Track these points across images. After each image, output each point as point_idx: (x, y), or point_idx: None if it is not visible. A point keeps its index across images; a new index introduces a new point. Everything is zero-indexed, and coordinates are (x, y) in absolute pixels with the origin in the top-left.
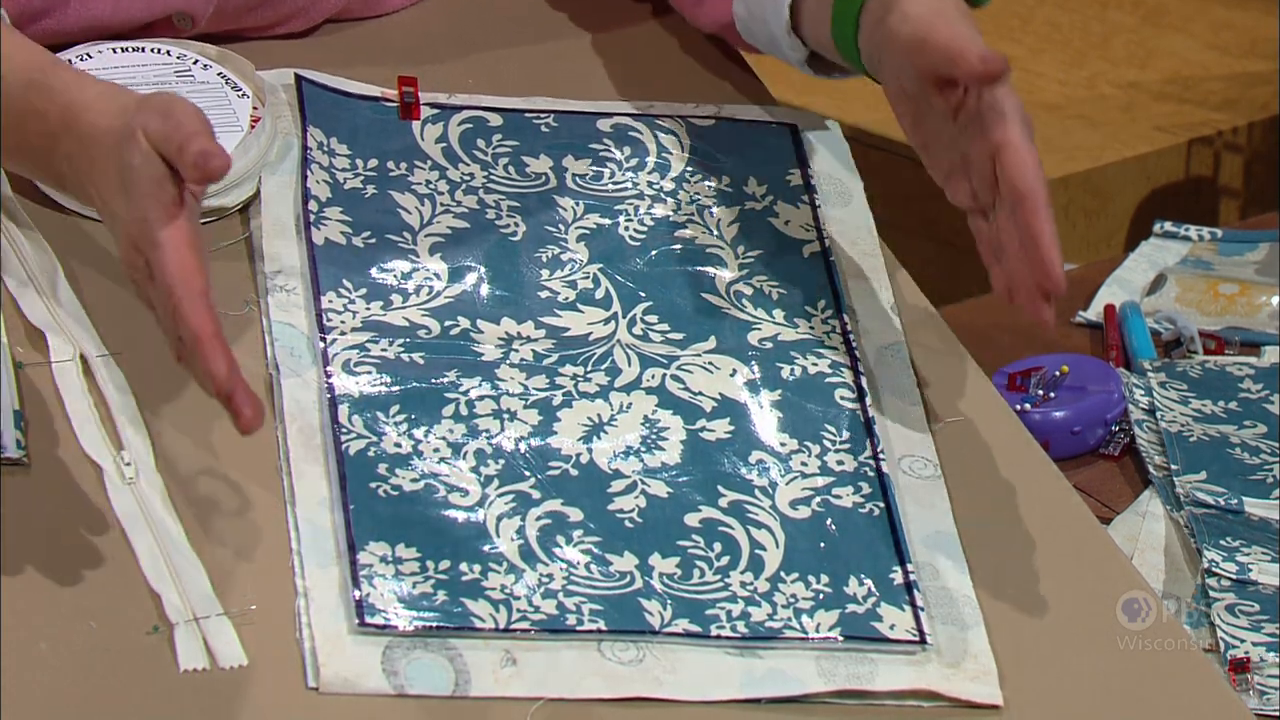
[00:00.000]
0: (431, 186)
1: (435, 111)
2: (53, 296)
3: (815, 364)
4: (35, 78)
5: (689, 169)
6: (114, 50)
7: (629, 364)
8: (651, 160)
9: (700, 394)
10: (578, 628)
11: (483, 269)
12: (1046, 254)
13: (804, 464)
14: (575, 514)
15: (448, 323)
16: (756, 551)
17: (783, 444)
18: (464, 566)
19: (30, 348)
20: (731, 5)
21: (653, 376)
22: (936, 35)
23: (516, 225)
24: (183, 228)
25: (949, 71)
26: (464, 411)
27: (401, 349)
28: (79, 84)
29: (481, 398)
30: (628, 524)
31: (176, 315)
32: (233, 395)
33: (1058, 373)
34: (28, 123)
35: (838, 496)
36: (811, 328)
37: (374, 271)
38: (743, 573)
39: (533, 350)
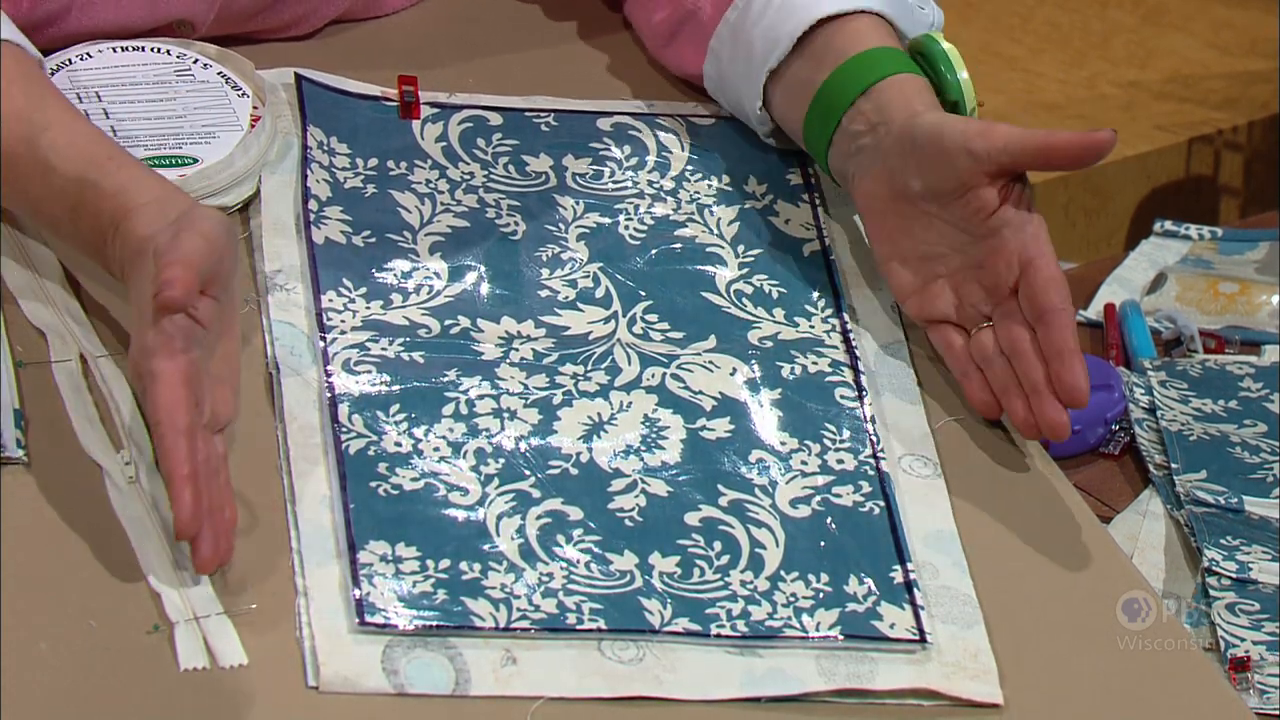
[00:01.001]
0: (431, 186)
1: (435, 111)
2: (53, 296)
3: (815, 363)
4: (91, 175)
5: (689, 168)
6: (114, 49)
7: (629, 363)
8: (651, 159)
9: (700, 393)
10: (578, 627)
11: (483, 268)
12: (1074, 372)
13: (804, 463)
14: (575, 513)
15: (448, 322)
16: (756, 550)
17: (783, 443)
18: (464, 566)
19: (30, 347)
20: (702, 61)
21: (653, 375)
22: (994, 131)
23: (516, 224)
24: (178, 361)
25: (1035, 159)
26: (464, 410)
27: (401, 348)
28: (136, 187)
29: (481, 397)
30: (628, 523)
31: (159, 449)
32: (195, 541)
33: None
34: (80, 218)
35: (838, 495)
36: (812, 327)
37: (374, 271)
38: (743, 572)
39: (533, 349)
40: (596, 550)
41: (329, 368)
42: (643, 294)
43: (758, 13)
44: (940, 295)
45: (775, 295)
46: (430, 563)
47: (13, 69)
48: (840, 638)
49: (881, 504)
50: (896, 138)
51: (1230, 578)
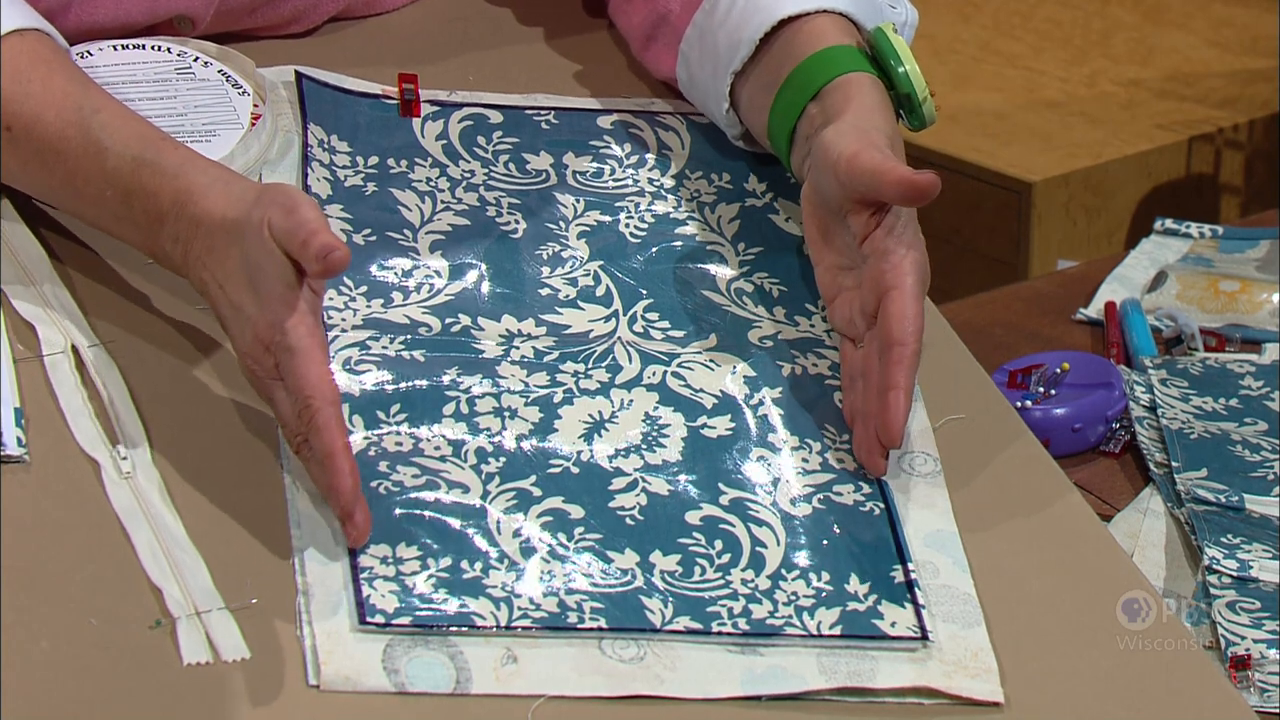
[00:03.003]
0: (432, 184)
1: (436, 109)
2: (41, 288)
3: (816, 363)
4: (146, 155)
5: (689, 166)
6: (114, 48)
7: (630, 361)
8: (652, 157)
9: (701, 391)
10: (579, 625)
11: (483, 266)
12: (893, 410)
13: (805, 461)
14: (576, 511)
15: (448, 320)
16: (757, 549)
17: (784, 441)
18: (465, 564)
19: (21, 342)
20: (676, 62)
21: (653, 374)
22: (859, 159)
23: (517, 222)
24: (316, 333)
25: (874, 191)
26: (465, 409)
27: (402, 347)
28: (193, 166)
29: (482, 395)
30: (629, 521)
31: (311, 425)
32: (352, 514)
33: (1058, 370)
34: (134, 200)
35: (838, 494)
36: (812, 325)
37: (374, 269)
38: (744, 570)
39: (533, 348)
40: (597, 549)
41: (330, 366)
42: (643, 292)
43: (722, 14)
44: (841, 307)
45: (776, 294)
46: (431, 561)
47: (50, 55)
48: (841, 636)
49: (882, 504)
50: (821, 144)
51: (1231, 576)
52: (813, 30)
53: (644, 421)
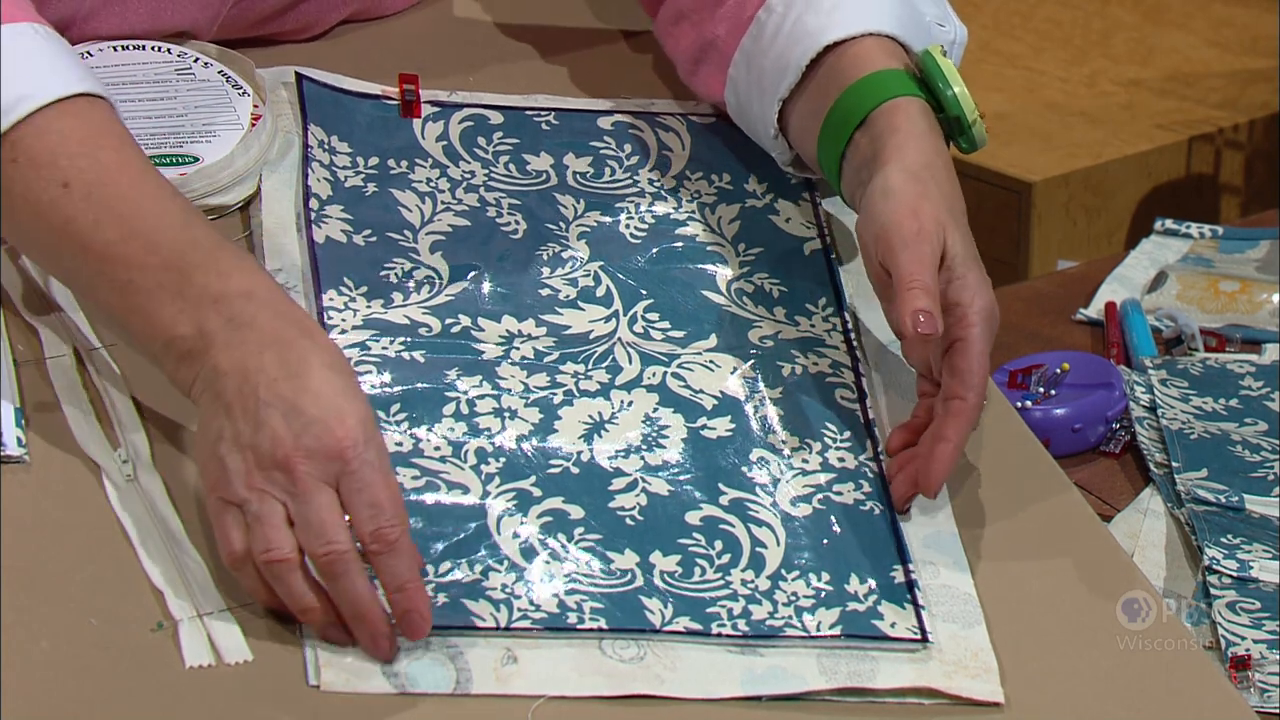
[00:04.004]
0: (432, 184)
1: (436, 109)
2: (44, 291)
3: (816, 363)
4: (225, 239)
5: (690, 167)
6: (114, 48)
7: (630, 362)
8: (652, 158)
9: (701, 392)
10: (579, 626)
11: (483, 267)
12: (937, 461)
13: (805, 461)
14: (576, 512)
15: (448, 321)
16: (757, 549)
17: (784, 442)
18: (464, 565)
19: (23, 344)
20: (724, 89)
21: (653, 374)
22: (894, 251)
23: (517, 223)
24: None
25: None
26: (464, 410)
27: (402, 347)
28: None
29: (482, 396)
30: (629, 522)
31: (391, 545)
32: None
33: (1058, 370)
34: (197, 274)
35: (839, 494)
36: (812, 325)
37: (375, 269)
38: (743, 570)
39: (533, 348)
40: (597, 549)
41: None
42: (644, 293)
43: (768, 40)
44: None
45: (776, 294)
46: (430, 565)
47: (124, 130)
48: (841, 636)
49: (882, 504)
50: (867, 197)
51: (1231, 576)
52: (858, 55)
53: (644, 422)
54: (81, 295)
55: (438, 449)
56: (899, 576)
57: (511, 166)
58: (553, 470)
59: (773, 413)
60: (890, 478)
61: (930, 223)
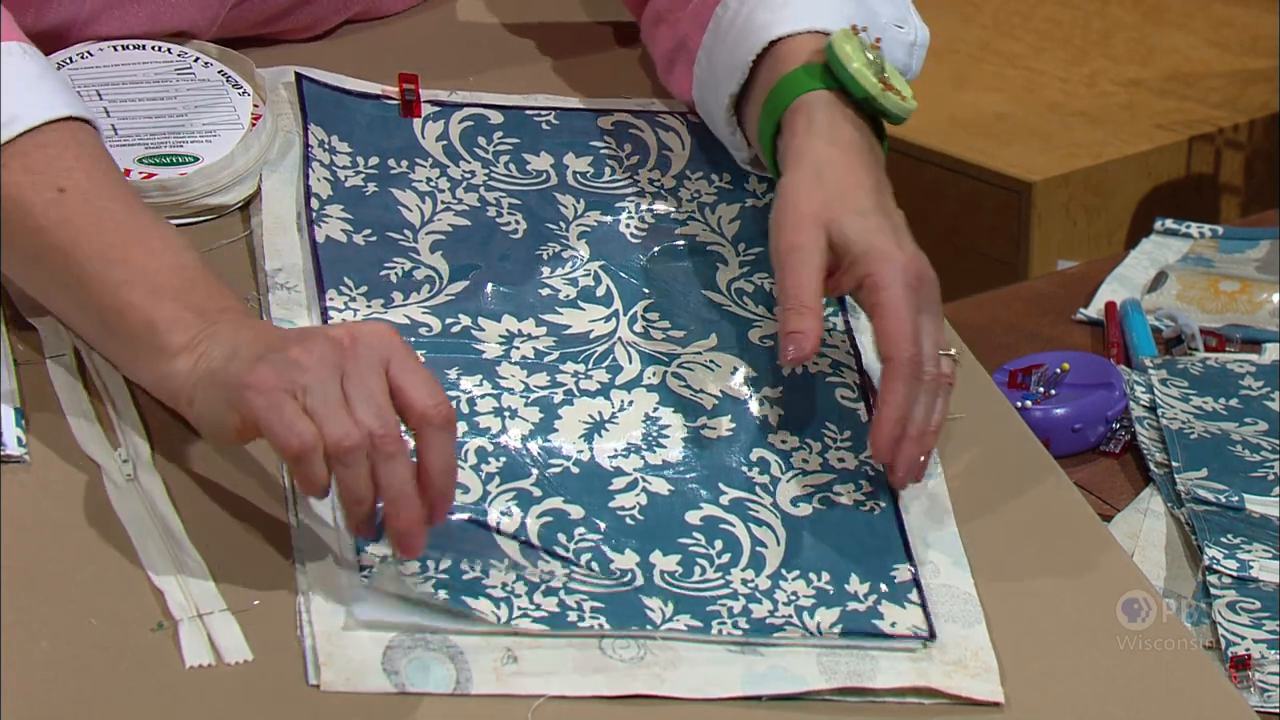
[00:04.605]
0: (432, 184)
1: (436, 109)
2: None
3: (816, 362)
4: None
5: (689, 166)
6: (115, 48)
7: (630, 361)
8: (652, 158)
9: (701, 391)
10: (579, 625)
11: (483, 266)
12: (879, 425)
13: (805, 461)
14: (576, 512)
15: (449, 320)
16: (758, 549)
17: (784, 441)
18: (465, 565)
19: (24, 344)
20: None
21: (654, 374)
22: (776, 271)
23: (517, 223)
24: None
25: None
26: (465, 409)
27: None
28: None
29: (483, 396)
30: (629, 521)
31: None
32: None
33: (1058, 370)
34: (200, 286)
35: (839, 494)
36: None
37: (375, 269)
38: (744, 570)
39: (534, 348)
40: (598, 549)
41: None
42: (644, 292)
43: (723, 36)
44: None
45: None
46: (431, 562)
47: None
48: (841, 636)
49: (882, 503)
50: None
51: (1231, 576)
52: (787, 53)
53: (644, 422)
54: (61, 304)
55: None
56: (899, 575)
57: (511, 166)
58: (553, 470)
59: (773, 413)
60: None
61: (807, 233)
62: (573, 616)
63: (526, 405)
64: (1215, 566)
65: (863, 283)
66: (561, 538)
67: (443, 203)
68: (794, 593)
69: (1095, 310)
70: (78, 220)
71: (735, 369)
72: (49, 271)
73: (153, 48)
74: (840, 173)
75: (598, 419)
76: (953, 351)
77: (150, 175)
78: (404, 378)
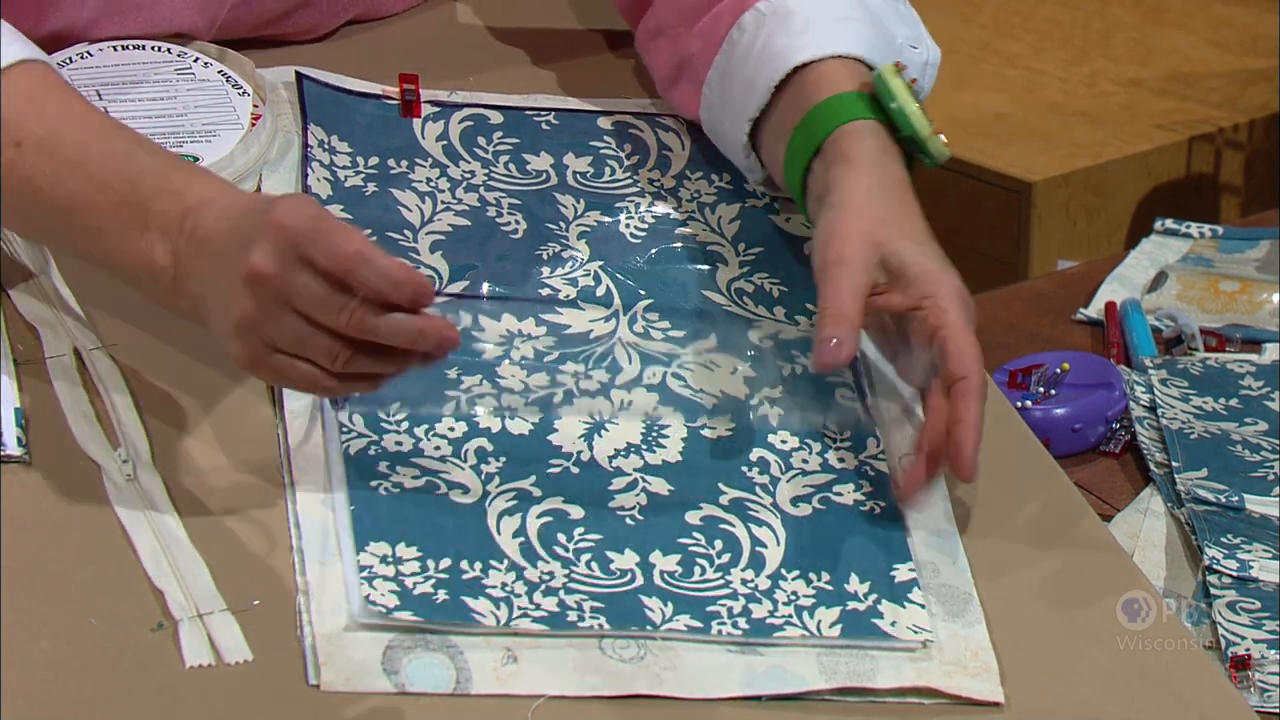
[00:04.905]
0: (432, 184)
1: (436, 109)
2: (45, 291)
3: None
4: (178, 160)
5: (689, 167)
6: (114, 48)
7: (630, 361)
8: (652, 158)
9: (701, 391)
10: (579, 625)
11: (483, 266)
12: (962, 443)
13: (805, 461)
14: (576, 512)
15: (448, 320)
16: (757, 549)
17: (784, 441)
18: (465, 565)
19: (24, 345)
20: (699, 104)
21: (653, 375)
22: (818, 281)
23: (517, 223)
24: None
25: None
26: (465, 409)
27: None
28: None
29: (482, 395)
30: (628, 521)
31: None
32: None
33: (1058, 370)
34: (157, 200)
35: (839, 494)
36: (812, 325)
37: None
38: (744, 570)
39: (533, 348)
40: (597, 549)
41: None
42: (643, 292)
43: (739, 59)
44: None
45: (776, 294)
46: (431, 562)
47: (63, 83)
48: (841, 636)
49: (883, 503)
50: (824, 215)
51: (1231, 576)
52: (820, 78)
53: (644, 422)
54: (66, 251)
55: (437, 448)
56: (899, 575)
57: (511, 166)
58: (553, 470)
59: (772, 413)
60: (908, 471)
61: (856, 248)
62: (573, 616)
63: (526, 405)
64: (1215, 566)
65: (922, 304)
66: (561, 538)
67: (442, 203)
68: (794, 593)
69: (1095, 310)
70: (39, 177)
71: (735, 369)
72: (40, 228)
73: (152, 48)
74: (897, 200)
75: (597, 419)
76: None
77: None
78: (321, 261)
